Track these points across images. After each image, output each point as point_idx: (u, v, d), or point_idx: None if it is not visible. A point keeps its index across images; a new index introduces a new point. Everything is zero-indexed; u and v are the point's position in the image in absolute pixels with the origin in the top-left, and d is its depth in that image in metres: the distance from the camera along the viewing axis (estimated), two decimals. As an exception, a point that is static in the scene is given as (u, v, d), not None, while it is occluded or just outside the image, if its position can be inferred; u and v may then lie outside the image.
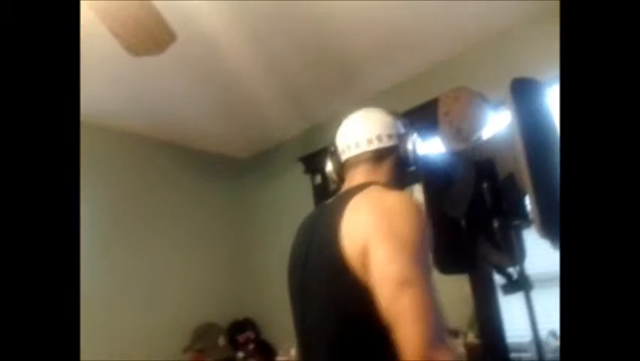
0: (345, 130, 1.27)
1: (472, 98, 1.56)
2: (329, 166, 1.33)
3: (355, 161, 1.22)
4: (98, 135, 3.15)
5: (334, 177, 1.32)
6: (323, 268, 1.05)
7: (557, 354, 2.10)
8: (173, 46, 1.80)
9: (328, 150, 1.33)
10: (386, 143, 1.20)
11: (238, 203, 4.07)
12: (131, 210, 3.31)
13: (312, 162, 3.38)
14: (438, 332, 0.86)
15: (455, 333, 2.39)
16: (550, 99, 1.31)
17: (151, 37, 1.73)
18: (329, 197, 3.36)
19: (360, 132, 1.22)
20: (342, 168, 1.27)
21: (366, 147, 1.20)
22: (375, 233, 0.95)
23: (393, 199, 1.02)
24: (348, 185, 1.22)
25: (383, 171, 1.21)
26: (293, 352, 3.18)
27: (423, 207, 1.03)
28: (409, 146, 1.22)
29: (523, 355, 2.16)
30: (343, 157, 1.25)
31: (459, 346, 2.26)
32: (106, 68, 2.53)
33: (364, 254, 0.94)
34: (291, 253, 1.25)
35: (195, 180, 3.81)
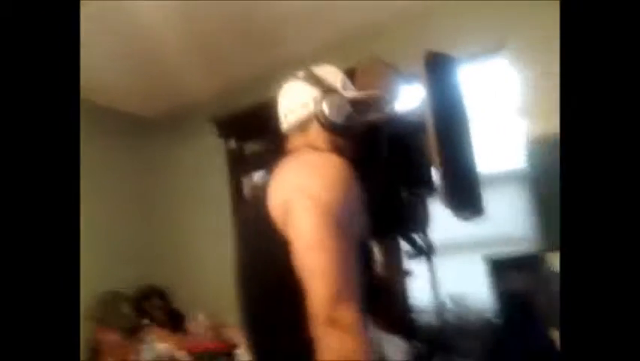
0: (280, 99, 1.28)
1: (386, 70, 1.58)
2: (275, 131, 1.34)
3: (290, 129, 1.24)
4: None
5: (274, 145, 1.36)
6: (252, 224, 1.13)
7: (453, 316, 2.28)
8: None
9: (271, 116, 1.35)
10: (300, 112, 1.20)
11: (146, 164, 3.86)
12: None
13: (228, 125, 3.26)
14: (342, 291, 0.89)
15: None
16: (462, 76, 1.35)
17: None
18: (244, 162, 3.30)
19: (280, 106, 1.26)
20: (283, 136, 1.29)
21: (287, 121, 1.23)
22: (296, 193, 0.99)
23: (318, 160, 1.07)
24: (285, 150, 1.25)
25: (312, 142, 1.20)
26: (201, 318, 3.15)
27: (347, 173, 1.02)
28: (324, 109, 1.18)
29: (423, 316, 2.31)
30: (282, 126, 1.27)
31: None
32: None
33: (285, 212, 0.99)
34: (238, 219, 1.35)
35: (100, 138, 3.52)
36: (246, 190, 2.91)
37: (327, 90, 1.20)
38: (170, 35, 2.74)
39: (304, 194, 0.97)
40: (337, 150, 1.20)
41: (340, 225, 0.95)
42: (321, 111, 1.17)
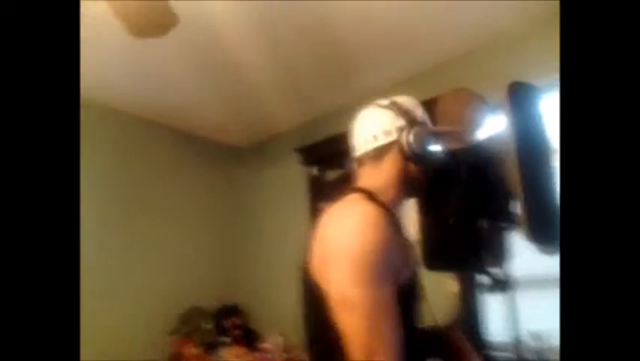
0: (353, 129, 1.26)
1: (470, 100, 1.58)
2: (349, 163, 1.32)
3: (360, 162, 1.22)
4: (96, 113, 3.15)
5: (351, 173, 1.31)
6: (300, 270, 1.11)
7: (535, 356, 2.15)
8: (176, 29, 1.80)
9: (348, 146, 1.31)
10: (382, 140, 1.17)
11: (233, 191, 4.10)
12: (125, 191, 3.32)
13: (309, 153, 3.40)
14: (376, 351, 0.88)
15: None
16: (546, 105, 1.33)
17: (154, 20, 1.73)
18: (324, 189, 3.39)
19: (359, 132, 1.22)
20: (356, 166, 1.26)
21: (364, 148, 1.19)
22: (330, 248, 0.98)
23: (356, 214, 1.02)
24: (352, 185, 1.22)
25: (384, 170, 1.18)
26: (278, 341, 3.21)
27: (381, 226, 0.98)
28: (410, 139, 1.16)
29: (503, 354, 2.20)
30: (354, 156, 1.25)
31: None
32: (109, 48, 2.53)
33: (321, 268, 0.99)
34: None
35: (191, 166, 3.83)
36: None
37: (412, 121, 1.19)
38: (258, 72, 2.93)
39: (339, 251, 0.96)
40: (407, 183, 1.20)
41: (374, 283, 0.92)
42: (407, 141, 1.16)
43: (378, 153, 1.18)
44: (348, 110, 1.30)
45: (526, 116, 1.27)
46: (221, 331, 3.49)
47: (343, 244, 0.96)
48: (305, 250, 1.07)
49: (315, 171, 3.31)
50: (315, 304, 1.01)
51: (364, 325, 0.89)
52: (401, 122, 1.18)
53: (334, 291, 0.94)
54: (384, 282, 0.93)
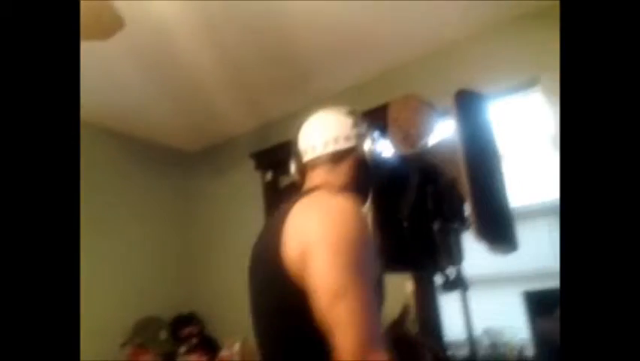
0: (304, 132, 1.27)
1: (420, 106, 1.63)
2: (292, 167, 1.32)
3: (314, 163, 1.22)
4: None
5: (297, 178, 1.30)
6: (266, 273, 1.05)
7: (490, 351, 2.23)
8: (121, 32, 1.75)
9: (292, 150, 1.32)
10: (342, 145, 1.20)
11: (185, 197, 4.00)
12: (72, 199, 3.18)
13: (264, 158, 3.37)
14: (372, 338, 0.86)
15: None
16: (492, 111, 1.38)
17: (98, 23, 1.68)
18: (279, 194, 3.37)
19: (317, 135, 1.23)
20: (303, 170, 1.26)
21: (322, 150, 1.20)
22: (313, 240, 0.94)
23: (334, 204, 1.01)
24: (305, 187, 1.22)
25: (341, 173, 1.20)
26: (237, 347, 3.17)
27: (365, 212, 1.00)
28: (367, 147, 1.21)
29: (459, 352, 2.27)
30: (304, 159, 1.24)
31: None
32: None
33: (303, 261, 0.94)
34: (250, 257, 1.23)
35: (141, 171, 3.71)
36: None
37: (368, 129, 1.25)
38: (208, 75, 2.88)
39: (324, 242, 0.93)
40: (362, 185, 1.23)
41: (362, 271, 0.92)
42: (365, 148, 1.21)
43: (336, 157, 1.20)
44: (302, 115, 1.31)
45: (473, 122, 1.32)
46: (178, 340, 3.41)
47: (328, 233, 0.94)
48: (271, 249, 1.01)
49: (269, 176, 3.29)
50: (289, 300, 0.96)
51: (362, 312, 0.87)
52: (361, 129, 1.23)
53: (325, 283, 0.89)
54: (371, 270, 0.94)
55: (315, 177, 1.21)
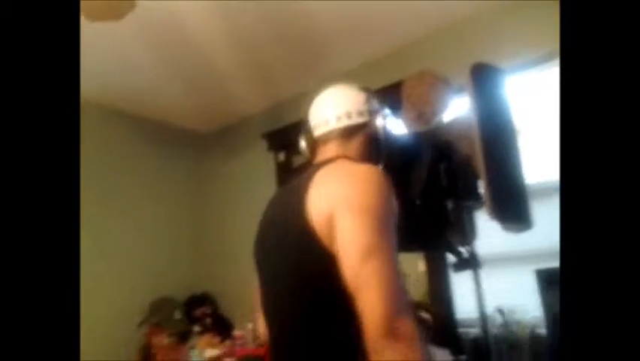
0: (316, 107, 1.27)
1: (435, 82, 1.60)
2: (302, 142, 1.32)
3: (325, 138, 1.22)
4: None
5: (307, 153, 1.30)
6: (290, 238, 1.05)
7: (502, 330, 2.23)
8: (134, 13, 1.74)
9: (302, 126, 1.31)
10: (355, 120, 1.19)
11: (199, 177, 4.02)
12: (86, 180, 3.21)
13: (277, 138, 3.37)
14: (400, 302, 0.86)
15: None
16: (508, 86, 1.35)
17: (109, 3, 1.67)
18: (292, 174, 3.38)
19: (330, 109, 1.22)
20: (314, 145, 1.26)
21: (335, 124, 1.20)
22: (341, 203, 0.95)
23: (360, 170, 1.03)
24: (319, 160, 1.21)
25: (353, 148, 1.20)
26: (250, 326, 3.21)
27: (386, 179, 1.00)
28: (379, 123, 1.22)
29: (471, 330, 2.27)
30: (315, 134, 1.24)
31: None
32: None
33: (330, 225, 0.94)
34: (260, 225, 1.24)
35: (154, 153, 3.73)
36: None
37: (381, 105, 1.24)
38: (220, 56, 2.87)
39: (352, 205, 0.93)
40: (373, 162, 1.21)
41: (390, 234, 0.92)
42: (378, 124, 1.21)
43: (348, 132, 1.20)
44: (315, 94, 1.29)
45: (490, 97, 1.30)
46: (192, 320, 3.47)
47: (357, 196, 0.95)
48: (294, 216, 1.01)
49: (282, 156, 3.29)
50: (316, 264, 0.97)
51: (390, 274, 0.87)
52: (374, 105, 1.23)
53: (355, 245, 0.90)
54: (395, 236, 0.94)
55: (327, 152, 1.20)
